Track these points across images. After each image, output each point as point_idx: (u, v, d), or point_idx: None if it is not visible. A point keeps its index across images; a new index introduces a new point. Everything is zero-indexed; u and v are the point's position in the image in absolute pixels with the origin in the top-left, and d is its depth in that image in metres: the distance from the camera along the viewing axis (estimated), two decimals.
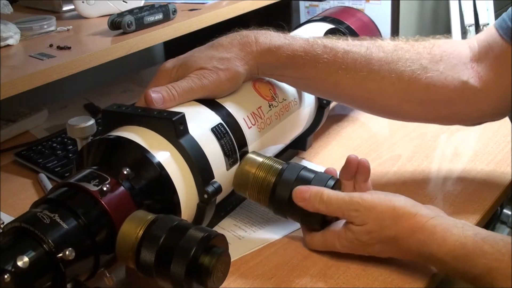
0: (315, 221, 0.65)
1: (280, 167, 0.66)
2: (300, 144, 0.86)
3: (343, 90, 0.72)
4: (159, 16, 0.89)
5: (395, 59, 0.71)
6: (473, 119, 0.76)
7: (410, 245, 0.60)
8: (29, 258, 0.49)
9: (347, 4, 1.17)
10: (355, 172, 0.70)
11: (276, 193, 0.65)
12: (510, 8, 0.71)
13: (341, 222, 0.64)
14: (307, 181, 0.65)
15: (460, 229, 0.59)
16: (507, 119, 0.82)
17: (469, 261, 0.57)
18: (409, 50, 0.72)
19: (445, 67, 0.71)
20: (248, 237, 0.70)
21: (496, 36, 0.71)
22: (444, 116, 0.75)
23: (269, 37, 0.70)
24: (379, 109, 0.76)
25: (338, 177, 0.69)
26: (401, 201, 0.62)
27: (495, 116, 0.76)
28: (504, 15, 0.71)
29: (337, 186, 0.66)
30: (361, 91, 0.72)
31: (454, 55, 0.73)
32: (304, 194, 0.64)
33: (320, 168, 0.74)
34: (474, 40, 0.75)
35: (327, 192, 0.63)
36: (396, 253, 0.62)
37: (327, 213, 0.64)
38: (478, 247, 0.57)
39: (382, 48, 0.72)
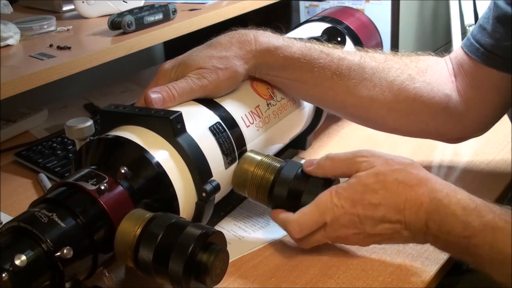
0: None
1: (279, 165, 0.66)
2: (299, 144, 0.86)
3: (335, 96, 0.73)
4: (159, 16, 0.89)
5: (386, 68, 0.73)
6: (456, 134, 0.77)
7: (418, 193, 0.58)
8: (27, 257, 0.49)
9: (347, 4, 1.17)
10: None
11: (275, 190, 0.65)
12: (472, 29, 0.74)
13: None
14: (305, 178, 0.64)
15: (461, 191, 0.59)
16: (507, 119, 0.82)
17: (476, 214, 0.56)
18: (398, 61, 0.75)
19: (431, 79, 0.74)
20: (248, 237, 0.70)
21: (462, 54, 0.74)
22: (429, 129, 0.76)
23: (268, 37, 0.70)
24: (367, 118, 0.77)
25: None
26: (412, 160, 0.62)
27: (477, 131, 0.78)
28: (469, 35, 0.74)
29: (336, 182, 0.66)
30: (352, 98, 0.73)
31: (437, 69, 0.75)
32: (312, 161, 0.64)
33: None
34: (448, 58, 0.77)
35: (332, 153, 0.64)
36: (400, 203, 0.59)
37: (333, 172, 0.63)
38: (487, 205, 0.57)
39: (374, 58, 0.74)
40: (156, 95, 0.64)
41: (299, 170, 0.65)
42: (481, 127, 0.77)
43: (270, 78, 0.73)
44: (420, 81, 0.73)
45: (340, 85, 0.72)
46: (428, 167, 0.83)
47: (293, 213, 0.63)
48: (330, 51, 0.72)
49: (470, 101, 0.74)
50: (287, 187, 0.64)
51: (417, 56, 0.76)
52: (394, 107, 0.73)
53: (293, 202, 0.64)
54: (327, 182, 0.64)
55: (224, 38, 0.70)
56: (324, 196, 0.61)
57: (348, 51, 0.74)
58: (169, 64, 0.70)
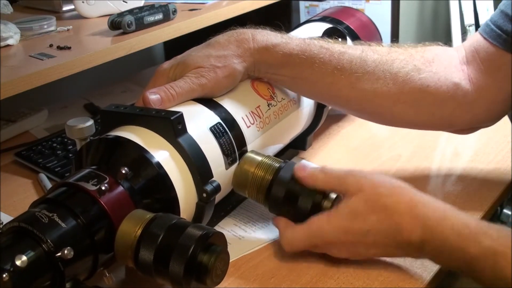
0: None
1: (278, 165, 0.66)
2: (300, 144, 0.86)
3: (338, 92, 0.72)
4: (159, 16, 0.89)
5: (390, 60, 0.72)
6: (466, 124, 0.76)
7: (408, 221, 0.58)
8: (27, 258, 0.49)
9: (347, 4, 1.18)
10: None
11: (272, 191, 0.65)
12: (492, 15, 0.73)
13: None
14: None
15: (461, 212, 0.58)
16: (507, 119, 0.82)
17: (473, 240, 0.55)
18: (403, 52, 0.73)
19: (438, 68, 0.72)
20: (248, 237, 0.70)
21: (481, 40, 0.73)
22: (436, 119, 0.75)
23: (266, 35, 0.70)
24: (372, 112, 0.76)
25: None
26: (401, 182, 0.61)
27: (488, 120, 0.76)
28: (487, 20, 0.73)
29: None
30: (355, 92, 0.72)
31: (445, 58, 0.74)
32: (306, 167, 0.64)
33: None
34: (461, 46, 0.76)
35: (328, 167, 0.64)
36: (390, 229, 0.59)
37: (323, 184, 0.62)
38: (482, 229, 0.56)
39: (376, 50, 0.73)
40: (154, 96, 0.64)
41: None
42: (492, 117, 0.75)
43: (270, 76, 0.72)
44: (426, 71, 0.72)
45: (342, 80, 0.71)
46: (428, 168, 0.83)
47: (291, 222, 0.64)
48: (330, 45, 0.71)
49: (482, 89, 0.72)
50: (285, 188, 0.64)
51: (423, 47, 0.75)
52: (400, 99, 0.72)
53: (290, 204, 0.64)
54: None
55: (222, 37, 0.70)
56: (317, 221, 0.61)
57: (349, 45, 0.74)
58: (167, 64, 0.69)
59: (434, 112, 0.73)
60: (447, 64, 0.73)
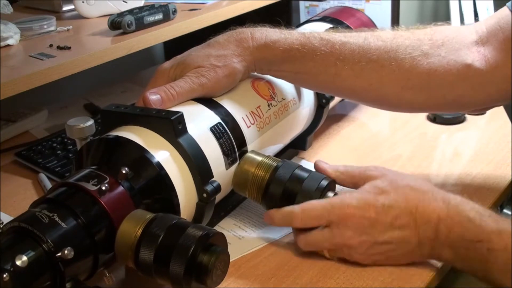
0: None
1: (276, 164, 0.66)
2: (300, 144, 0.86)
3: (342, 82, 0.72)
4: (159, 16, 0.89)
5: (394, 47, 0.70)
6: (478, 104, 0.74)
7: (431, 199, 0.60)
8: (28, 258, 0.49)
9: (347, 4, 1.18)
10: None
11: (270, 189, 0.65)
12: None
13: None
14: (300, 180, 0.64)
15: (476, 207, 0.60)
16: (507, 119, 0.82)
17: (493, 219, 0.57)
18: (409, 37, 0.72)
19: (447, 52, 0.70)
20: (248, 237, 0.70)
21: (510, 17, 0.70)
22: (447, 101, 0.73)
23: (265, 33, 0.70)
24: (380, 100, 0.75)
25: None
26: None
27: (501, 100, 0.74)
28: None
29: (331, 186, 0.66)
30: (360, 82, 0.71)
31: (456, 40, 0.72)
32: (325, 163, 0.68)
33: None
34: (482, 24, 0.73)
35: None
36: (412, 207, 0.60)
37: (346, 178, 0.67)
38: (500, 216, 0.58)
39: (380, 37, 0.71)
40: (154, 96, 0.64)
41: (295, 171, 0.65)
42: (505, 95, 0.72)
43: (273, 73, 0.72)
44: (435, 55, 0.70)
45: (346, 70, 0.70)
46: (428, 168, 0.83)
47: None
48: (331, 36, 0.70)
49: (497, 68, 0.70)
50: (282, 187, 0.64)
51: (434, 28, 0.73)
52: (407, 85, 0.71)
53: (287, 203, 0.64)
54: (321, 187, 0.64)
55: (221, 37, 0.70)
56: (338, 196, 0.64)
57: (351, 34, 0.72)
58: (167, 64, 0.70)
59: (444, 95, 0.72)
60: (458, 46, 0.71)
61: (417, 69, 0.70)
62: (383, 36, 0.71)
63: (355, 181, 0.65)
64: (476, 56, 0.70)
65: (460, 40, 0.72)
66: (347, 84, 0.72)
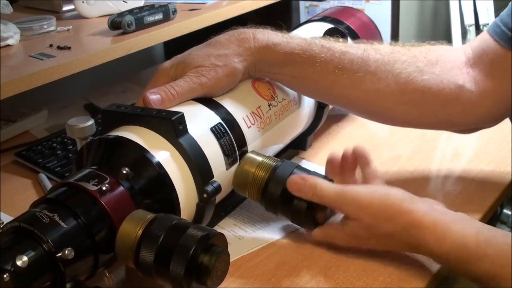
0: (305, 220, 0.65)
1: (275, 164, 0.66)
2: (300, 144, 0.86)
3: (339, 91, 0.72)
4: (159, 16, 0.89)
5: (392, 61, 0.71)
6: (469, 124, 0.76)
7: (408, 240, 0.60)
8: (28, 258, 0.49)
9: (347, 4, 1.18)
10: (341, 167, 0.71)
11: (268, 189, 0.65)
12: (501, 14, 0.72)
13: (341, 215, 0.65)
14: None
15: (459, 226, 0.58)
16: (507, 119, 0.82)
17: (472, 263, 0.56)
18: (406, 53, 0.73)
19: (441, 71, 0.72)
20: (248, 237, 0.70)
21: (491, 41, 0.72)
22: (439, 120, 0.75)
23: (267, 35, 0.70)
24: (374, 112, 0.76)
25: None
26: (398, 196, 0.62)
27: (491, 121, 0.76)
28: (497, 20, 0.72)
29: None
30: (357, 92, 0.72)
31: (449, 60, 0.74)
32: (299, 185, 0.64)
33: (320, 168, 0.75)
34: (468, 47, 0.75)
35: (321, 185, 0.63)
36: (395, 247, 0.62)
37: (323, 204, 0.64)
38: (481, 249, 0.56)
39: (379, 50, 0.72)
40: (154, 96, 0.64)
41: (294, 171, 0.65)
42: (496, 118, 0.75)
43: (271, 75, 0.72)
44: (429, 73, 0.71)
45: (344, 79, 0.71)
46: (428, 168, 0.83)
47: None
48: (332, 45, 0.71)
49: (487, 91, 0.71)
50: (281, 187, 0.64)
51: (428, 46, 0.75)
52: (401, 100, 0.72)
53: (286, 203, 0.64)
54: None
55: (223, 36, 0.70)
56: (328, 229, 0.66)
57: (351, 45, 0.73)
58: (168, 63, 0.69)
59: (436, 113, 0.73)
60: (451, 66, 0.73)
61: (412, 85, 0.71)
62: (382, 50, 0.73)
63: (332, 207, 0.65)
64: (467, 78, 0.72)
65: (452, 60, 0.74)
66: (344, 93, 0.72)
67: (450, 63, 0.73)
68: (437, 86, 0.71)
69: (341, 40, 0.74)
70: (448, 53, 0.75)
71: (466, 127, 0.77)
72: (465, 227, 0.58)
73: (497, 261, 0.55)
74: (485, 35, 0.73)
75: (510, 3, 0.72)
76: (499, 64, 0.71)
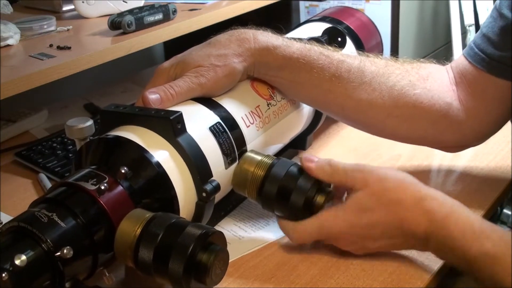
0: (302, 216, 0.65)
1: (271, 162, 0.66)
2: (300, 144, 0.86)
3: (334, 99, 0.73)
4: (159, 16, 0.89)
5: (386, 73, 0.73)
6: (455, 142, 0.77)
7: (414, 214, 0.59)
8: (27, 257, 0.49)
9: (347, 4, 1.17)
10: None
11: (265, 187, 0.65)
12: (475, 36, 0.74)
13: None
14: (296, 177, 0.64)
15: (466, 209, 0.59)
16: None
17: (475, 240, 0.56)
18: (399, 67, 0.74)
19: (432, 86, 0.73)
20: (248, 237, 0.70)
21: (466, 63, 0.74)
22: (428, 136, 0.75)
23: (268, 37, 0.70)
24: (366, 123, 0.77)
25: None
26: (412, 180, 0.62)
27: (476, 140, 0.77)
28: (471, 42, 0.74)
29: (326, 185, 0.66)
30: (351, 101, 0.72)
31: (438, 77, 0.75)
32: (313, 158, 0.64)
33: None
34: (449, 67, 0.77)
35: (334, 160, 0.64)
36: (396, 222, 0.60)
37: (329, 178, 0.63)
38: (485, 231, 0.57)
39: (374, 62, 0.73)
40: (153, 96, 0.64)
41: (290, 168, 0.65)
42: (481, 137, 0.77)
43: (269, 78, 0.73)
44: (421, 87, 0.72)
45: (339, 88, 0.71)
46: (428, 168, 0.83)
47: (286, 214, 0.65)
48: (330, 53, 0.72)
49: (471, 110, 0.73)
50: (277, 184, 0.64)
51: (419, 63, 0.76)
52: (393, 113, 0.73)
53: (283, 200, 0.64)
54: (316, 183, 0.64)
55: (223, 36, 0.70)
56: (325, 214, 0.63)
57: (348, 55, 0.74)
58: (167, 63, 0.69)
59: (426, 129, 0.74)
60: (440, 83, 0.74)
61: (405, 98, 0.72)
62: (377, 62, 0.74)
63: (340, 182, 0.64)
64: (453, 96, 0.74)
65: (440, 77, 0.75)
66: (338, 101, 0.73)
67: (440, 80, 0.75)
68: (428, 101, 0.72)
69: (338, 49, 0.75)
70: (437, 71, 0.76)
71: (452, 145, 0.78)
72: (469, 211, 0.59)
73: (499, 245, 0.55)
74: (461, 57, 0.75)
75: (481, 26, 0.74)
76: (477, 85, 0.72)
